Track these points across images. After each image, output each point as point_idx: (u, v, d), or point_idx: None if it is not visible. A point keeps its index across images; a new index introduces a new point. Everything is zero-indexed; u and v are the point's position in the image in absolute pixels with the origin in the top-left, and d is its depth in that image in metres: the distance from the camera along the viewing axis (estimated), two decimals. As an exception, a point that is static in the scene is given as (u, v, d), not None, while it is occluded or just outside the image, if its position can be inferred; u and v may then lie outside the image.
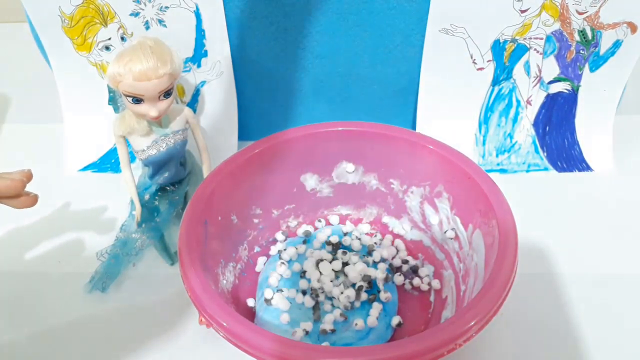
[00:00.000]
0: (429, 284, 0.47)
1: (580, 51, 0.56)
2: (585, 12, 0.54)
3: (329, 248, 0.50)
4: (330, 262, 0.47)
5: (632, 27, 0.54)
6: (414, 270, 0.48)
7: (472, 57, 0.57)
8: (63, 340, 0.43)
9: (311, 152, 0.51)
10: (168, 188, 0.53)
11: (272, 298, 0.45)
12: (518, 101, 0.59)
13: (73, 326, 0.45)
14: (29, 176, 0.40)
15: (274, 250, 0.52)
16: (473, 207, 0.44)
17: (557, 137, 0.61)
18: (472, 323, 0.33)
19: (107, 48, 0.58)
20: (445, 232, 0.48)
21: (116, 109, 0.57)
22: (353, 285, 0.45)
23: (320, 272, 0.47)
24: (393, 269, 0.49)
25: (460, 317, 0.33)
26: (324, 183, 0.53)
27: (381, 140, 0.50)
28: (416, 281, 0.47)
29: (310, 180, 0.53)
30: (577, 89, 0.59)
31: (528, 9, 0.53)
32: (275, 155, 0.49)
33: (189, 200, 0.44)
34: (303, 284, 0.46)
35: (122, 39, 0.57)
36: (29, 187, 0.61)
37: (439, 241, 0.49)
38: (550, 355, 0.41)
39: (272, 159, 0.49)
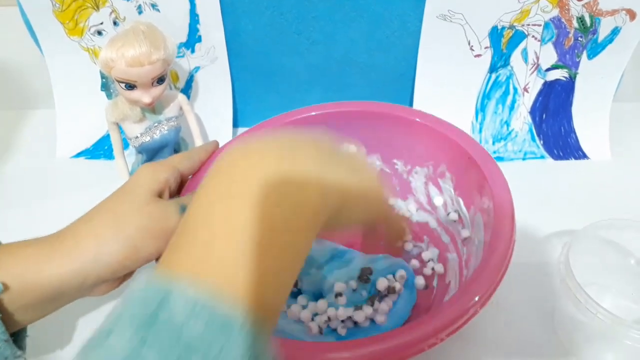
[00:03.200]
0: (433, 268, 0.46)
1: (578, 38, 0.56)
2: (584, -1, 0.53)
3: None
4: None
5: (631, 14, 0.53)
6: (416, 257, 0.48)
7: (469, 44, 0.56)
8: (55, 334, 0.43)
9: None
10: (162, 175, 0.52)
11: None
12: (515, 88, 0.59)
13: (66, 319, 0.44)
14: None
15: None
16: (473, 186, 0.43)
17: (554, 125, 0.61)
18: (470, 304, 0.32)
19: (99, 33, 0.57)
20: (448, 214, 0.47)
21: (109, 95, 0.56)
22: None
23: None
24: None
25: (453, 303, 0.33)
26: None
27: (382, 119, 0.49)
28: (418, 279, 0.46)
29: None
30: (575, 77, 0.58)
31: (526, -5, 0.53)
32: None
33: (184, 187, 0.43)
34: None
35: (115, 23, 0.56)
36: (21, 173, 0.60)
37: (444, 223, 0.48)
38: (548, 343, 0.41)
39: None
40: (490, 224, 0.38)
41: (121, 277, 0.37)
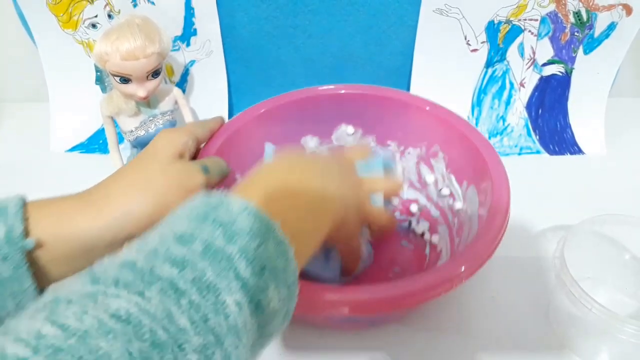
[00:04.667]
0: (424, 238, 0.49)
1: (574, 33, 0.56)
2: (581, -7, 0.53)
3: None
4: None
5: (627, 9, 0.53)
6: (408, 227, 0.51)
7: (466, 38, 0.56)
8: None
9: (312, 114, 0.51)
10: (157, 170, 0.52)
11: None
12: (511, 83, 0.59)
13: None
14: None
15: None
16: (467, 164, 0.46)
17: (550, 120, 0.61)
18: (463, 268, 0.34)
19: (94, 26, 0.56)
20: (440, 190, 0.50)
21: (103, 89, 0.56)
22: None
23: None
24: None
25: (456, 260, 0.35)
26: (324, 145, 0.53)
27: (380, 102, 0.50)
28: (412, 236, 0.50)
29: (310, 143, 0.53)
30: (571, 72, 0.58)
31: (523, -11, 0.53)
32: (277, 116, 0.50)
33: (198, 154, 0.44)
34: None
35: (109, 16, 0.55)
36: (15, 167, 0.60)
37: (434, 199, 0.51)
38: (543, 337, 0.42)
39: (274, 120, 0.50)
40: (487, 201, 0.40)
41: None
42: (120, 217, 0.34)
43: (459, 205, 0.47)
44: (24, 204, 0.33)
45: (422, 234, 0.50)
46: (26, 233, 0.32)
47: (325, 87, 0.51)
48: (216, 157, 0.42)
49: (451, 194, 0.48)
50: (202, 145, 0.44)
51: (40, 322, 0.19)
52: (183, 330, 0.20)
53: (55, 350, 0.18)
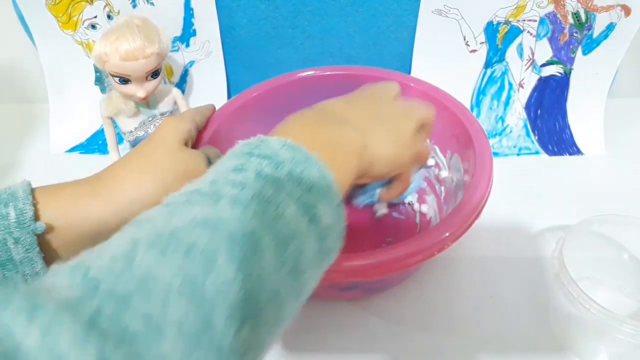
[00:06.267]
0: (413, 208, 0.52)
1: (573, 34, 0.56)
2: (580, -6, 0.53)
3: None
4: None
5: (626, 10, 0.53)
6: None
7: (465, 39, 0.56)
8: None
9: (297, 98, 0.51)
10: (156, 170, 0.52)
11: None
12: (510, 84, 0.59)
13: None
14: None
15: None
16: (450, 134, 0.47)
17: (549, 121, 0.61)
18: (447, 234, 0.36)
19: (93, 26, 0.56)
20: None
21: (103, 89, 0.56)
22: None
23: None
24: None
25: (446, 221, 0.37)
26: None
27: (363, 81, 0.51)
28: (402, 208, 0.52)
29: None
30: (570, 72, 0.58)
31: (522, -10, 0.53)
32: (264, 103, 0.51)
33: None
34: None
35: (109, 17, 0.55)
36: (14, 168, 0.60)
37: (420, 171, 0.52)
38: (542, 337, 0.42)
39: (259, 106, 0.50)
40: (471, 168, 0.42)
41: None
42: (130, 203, 0.35)
43: (444, 174, 0.49)
44: (32, 190, 0.34)
45: (412, 205, 0.52)
46: (36, 217, 0.33)
47: (308, 70, 0.52)
48: (214, 148, 0.43)
49: (436, 164, 0.50)
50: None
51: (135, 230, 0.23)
52: (253, 231, 0.23)
53: (157, 236, 0.22)
